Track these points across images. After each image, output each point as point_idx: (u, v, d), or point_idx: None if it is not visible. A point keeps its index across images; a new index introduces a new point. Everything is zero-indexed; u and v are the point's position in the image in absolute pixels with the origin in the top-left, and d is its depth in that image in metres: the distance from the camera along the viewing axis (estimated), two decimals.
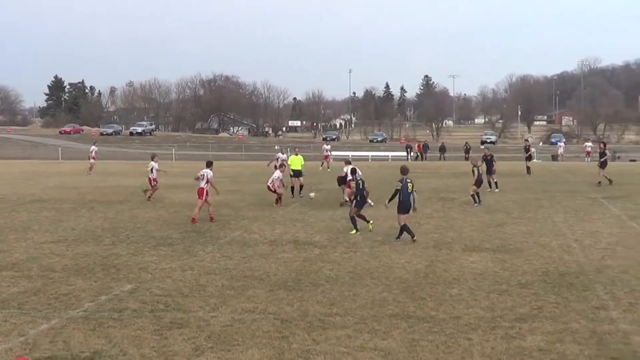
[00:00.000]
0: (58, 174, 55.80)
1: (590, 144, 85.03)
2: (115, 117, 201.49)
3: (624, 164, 68.94)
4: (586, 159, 78.13)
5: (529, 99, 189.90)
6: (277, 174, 32.53)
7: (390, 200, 22.82)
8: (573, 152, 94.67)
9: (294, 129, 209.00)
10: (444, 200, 32.87)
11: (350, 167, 30.55)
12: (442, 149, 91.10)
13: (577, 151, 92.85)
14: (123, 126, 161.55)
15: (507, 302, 14.61)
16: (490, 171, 37.27)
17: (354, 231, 23.72)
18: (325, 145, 65.53)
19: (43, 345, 11.81)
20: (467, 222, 26.02)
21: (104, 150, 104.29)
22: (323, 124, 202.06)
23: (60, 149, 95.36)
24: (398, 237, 22.48)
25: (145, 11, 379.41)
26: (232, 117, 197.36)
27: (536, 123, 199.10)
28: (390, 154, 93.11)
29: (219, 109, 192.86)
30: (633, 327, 12.77)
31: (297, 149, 41.89)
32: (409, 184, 22.37)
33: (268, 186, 32.18)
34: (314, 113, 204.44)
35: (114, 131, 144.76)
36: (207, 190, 27.20)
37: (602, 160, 42.88)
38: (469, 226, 25.11)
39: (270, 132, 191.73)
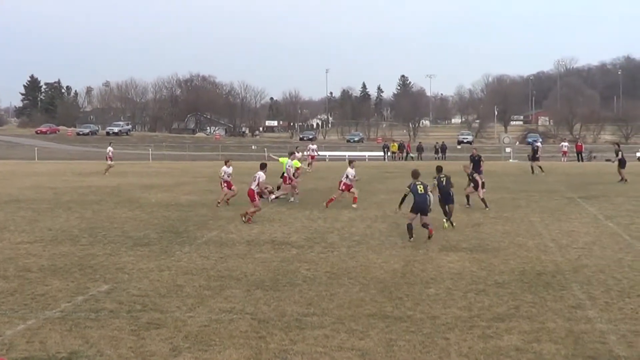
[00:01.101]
0: (34, 174, 55.53)
1: (566, 143, 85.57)
2: (91, 117, 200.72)
3: (600, 164, 69.35)
4: (562, 158, 78.58)
5: (505, 99, 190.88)
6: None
7: (400, 204, 23.46)
8: (549, 152, 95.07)
9: (271, 129, 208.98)
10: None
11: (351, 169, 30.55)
12: (420, 149, 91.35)
13: (554, 151, 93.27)
14: (99, 126, 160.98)
15: (484, 301, 14.64)
16: (477, 171, 37.39)
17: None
18: (311, 145, 65.33)
19: (20, 346, 11.73)
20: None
21: (80, 151, 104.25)
22: (300, 123, 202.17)
23: (36, 149, 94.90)
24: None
25: (121, 10, 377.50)
26: (209, 117, 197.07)
27: (512, 123, 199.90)
28: (367, 154, 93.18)
29: (195, 109, 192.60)
30: (609, 326, 12.83)
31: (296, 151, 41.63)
32: (419, 187, 22.71)
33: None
34: (291, 113, 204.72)
35: (90, 131, 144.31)
36: (257, 192, 27.20)
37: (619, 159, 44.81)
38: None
39: (247, 132, 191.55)
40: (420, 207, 22.59)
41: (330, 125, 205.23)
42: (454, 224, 25.18)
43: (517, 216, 27.73)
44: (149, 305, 14.33)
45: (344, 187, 31.21)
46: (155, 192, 38.07)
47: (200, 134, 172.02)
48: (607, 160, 54.27)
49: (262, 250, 20.61)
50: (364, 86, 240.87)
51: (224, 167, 33.14)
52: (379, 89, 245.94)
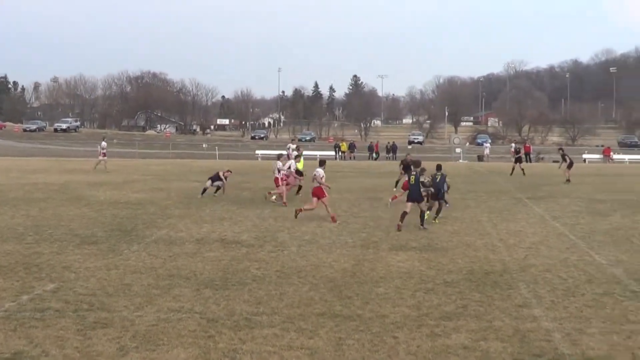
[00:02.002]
0: None
1: (514, 144, 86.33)
2: (39, 113, 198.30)
3: (547, 165, 70.10)
4: (512, 159, 79.29)
5: (455, 100, 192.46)
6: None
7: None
8: (498, 152, 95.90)
9: (223, 127, 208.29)
10: (372, 200, 33.05)
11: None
12: (371, 149, 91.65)
13: (503, 152, 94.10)
14: (47, 122, 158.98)
15: (432, 300, 14.72)
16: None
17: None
18: (291, 144, 64.76)
19: None
20: (394, 222, 26.14)
21: (27, 147, 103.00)
22: (252, 122, 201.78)
23: None
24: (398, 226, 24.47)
25: (70, 5, 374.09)
26: (159, 114, 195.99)
27: (463, 124, 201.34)
28: (318, 153, 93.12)
29: (146, 106, 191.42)
30: (554, 324, 12.97)
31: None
32: (411, 177, 25.26)
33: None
34: (243, 111, 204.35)
35: (37, 127, 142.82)
36: (321, 189, 27.36)
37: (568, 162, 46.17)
38: (396, 225, 25.24)
39: (198, 130, 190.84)
40: (413, 196, 24.92)
41: (282, 125, 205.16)
42: (436, 221, 26.35)
43: (466, 216, 27.94)
44: (96, 304, 14.19)
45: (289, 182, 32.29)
46: (103, 189, 37.74)
47: (150, 132, 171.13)
48: (555, 161, 54.95)
49: (212, 248, 20.52)
50: (316, 86, 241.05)
51: (278, 162, 33.64)
52: (331, 89, 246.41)
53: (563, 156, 47.55)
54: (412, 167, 26.03)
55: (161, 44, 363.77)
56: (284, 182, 32.98)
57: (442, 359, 11.18)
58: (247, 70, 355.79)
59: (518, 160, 54.56)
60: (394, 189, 36.50)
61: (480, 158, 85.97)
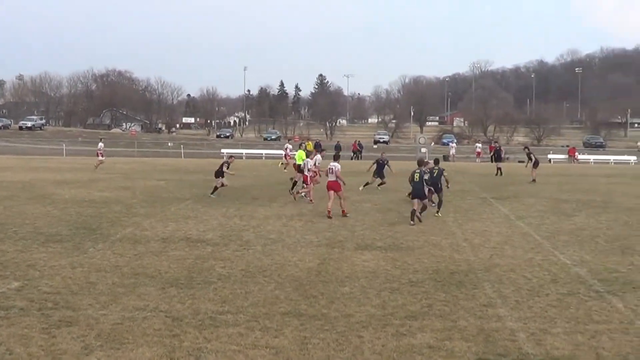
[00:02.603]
0: None
1: (480, 144, 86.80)
2: (4, 111, 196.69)
3: (512, 165, 70.44)
4: (477, 159, 79.66)
5: (421, 100, 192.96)
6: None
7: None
8: (464, 152, 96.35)
9: (188, 125, 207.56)
10: (338, 199, 32.98)
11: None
12: (338, 148, 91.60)
13: (468, 152, 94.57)
14: (12, 120, 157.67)
15: (398, 300, 14.75)
16: (380, 175, 38.02)
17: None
18: (288, 144, 64.51)
19: None
20: (360, 221, 26.22)
21: None
22: (217, 121, 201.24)
23: None
24: (420, 219, 25.94)
25: (35, 2, 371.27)
26: (125, 112, 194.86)
27: (428, 123, 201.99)
28: (284, 152, 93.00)
29: (111, 105, 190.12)
30: (519, 324, 13.04)
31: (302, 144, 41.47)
32: (416, 174, 26.48)
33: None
34: (208, 110, 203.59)
35: (2, 125, 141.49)
36: (338, 182, 28.35)
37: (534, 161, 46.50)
38: (361, 225, 25.30)
39: (163, 128, 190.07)
40: (415, 193, 26.40)
41: (247, 123, 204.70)
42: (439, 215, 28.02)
43: (430, 215, 27.98)
44: (60, 302, 14.08)
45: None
46: (68, 188, 37.47)
47: (115, 130, 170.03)
48: (520, 161, 55.27)
49: (177, 247, 20.44)
50: (282, 84, 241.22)
51: (318, 156, 34.39)
52: (297, 88, 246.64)
53: (529, 155, 47.85)
54: (418, 164, 27.41)
55: (127, 42, 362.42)
56: (314, 179, 33.61)
57: (407, 358, 11.21)
58: (213, 69, 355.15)
59: (497, 160, 54.83)
60: (360, 189, 36.50)
61: (445, 158, 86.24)
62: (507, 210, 29.85)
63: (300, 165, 35.99)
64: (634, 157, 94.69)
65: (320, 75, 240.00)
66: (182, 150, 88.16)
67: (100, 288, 15.38)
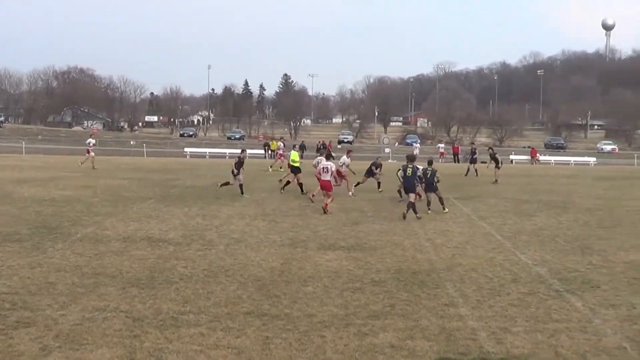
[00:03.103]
0: None
1: (443, 145, 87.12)
2: None
3: (475, 166, 70.73)
4: (439, 159, 79.90)
5: (385, 100, 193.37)
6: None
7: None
8: (427, 153, 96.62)
9: (151, 124, 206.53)
10: (301, 199, 33.01)
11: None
12: (302, 147, 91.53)
13: (432, 152, 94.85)
14: None
15: (360, 299, 14.77)
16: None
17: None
18: (279, 143, 64.15)
19: None
20: (323, 221, 26.21)
21: None
22: (180, 120, 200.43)
23: None
24: (415, 215, 27.27)
25: None
26: (86, 110, 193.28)
27: (392, 124, 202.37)
28: (247, 151, 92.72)
29: (73, 102, 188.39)
30: (480, 323, 13.11)
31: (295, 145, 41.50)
32: (409, 169, 28.27)
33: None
34: (172, 109, 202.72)
35: None
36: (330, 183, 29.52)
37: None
38: (324, 224, 25.29)
39: (125, 127, 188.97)
40: (406, 187, 28.39)
41: (211, 122, 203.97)
42: (445, 210, 29.71)
43: (395, 215, 28.04)
44: (18, 303, 13.93)
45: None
46: (28, 186, 37.06)
47: (77, 128, 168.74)
48: (483, 162, 55.47)
49: (139, 247, 20.31)
50: (246, 84, 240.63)
51: (344, 157, 35.89)
52: (262, 87, 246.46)
53: (492, 156, 48.05)
54: (408, 160, 29.22)
55: (90, 40, 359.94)
56: (342, 177, 35.20)
57: (369, 357, 11.22)
58: (177, 67, 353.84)
59: (473, 161, 54.92)
60: (351, 194, 36.39)
61: (430, 163, 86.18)
62: (469, 211, 29.98)
63: (294, 165, 36.21)
64: (594, 159, 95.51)
65: (285, 74, 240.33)
66: (145, 149, 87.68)
67: (60, 288, 15.25)
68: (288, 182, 36.00)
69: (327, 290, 15.58)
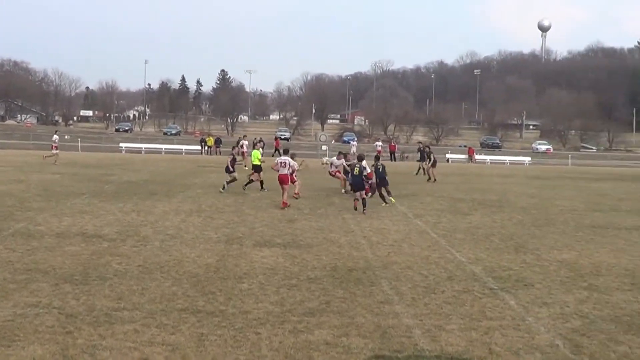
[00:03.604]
0: None
1: (380, 143, 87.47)
2: None
3: (412, 164, 71.17)
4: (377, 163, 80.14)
5: (323, 98, 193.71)
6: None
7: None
8: (364, 151, 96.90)
9: (86, 118, 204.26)
10: (237, 195, 32.91)
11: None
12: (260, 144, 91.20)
13: (369, 150, 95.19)
14: None
15: (296, 296, 14.77)
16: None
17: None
18: (244, 141, 63.29)
19: None
20: (259, 218, 26.17)
21: None
22: (116, 114, 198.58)
23: None
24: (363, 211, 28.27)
25: None
26: (20, 104, 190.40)
27: (329, 121, 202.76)
28: (184, 147, 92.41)
29: (6, 95, 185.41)
30: (415, 321, 13.18)
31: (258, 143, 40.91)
32: (356, 168, 29.34)
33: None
34: (107, 103, 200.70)
35: None
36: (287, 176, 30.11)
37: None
38: (260, 221, 25.25)
39: (60, 121, 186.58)
40: (354, 185, 29.35)
41: (147, 117, 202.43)
42: (393, 200, 31.68)
43: (331, 213, 28.13)
44: None
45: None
46: None
47: (10, 122, 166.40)
48: (419, 160, 55.76)
49: (72, 243, 20.07)
50: (183, 79, 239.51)
51: (334, 159, 37.04)
52: (199, 83, 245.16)
53: (422, 153, 48.30)
54: (357, 159, 30.23)
55: (23, 32, 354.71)
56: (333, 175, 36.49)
57: (305, 354, 11.23)
58: (113, 62, 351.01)
59: (422, 159, 55.02)
60: (343, 191, 36.23)
61: (345, 157, 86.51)
62: (405, 209, 30.15)
63: (257, 164, 36.43)
64: (529, 158, 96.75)
65: (222, 70, 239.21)
66: (80, 144, 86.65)
67: None
68: (251, 180, 35.87)
69: (263, 287, 15.56)
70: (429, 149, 51.17)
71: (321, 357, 11.18)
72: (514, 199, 35.61)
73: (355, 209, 28.55)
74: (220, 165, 47.01)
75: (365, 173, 29.73)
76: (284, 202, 29.06)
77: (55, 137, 56.02)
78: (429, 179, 45.54)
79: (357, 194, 29.05)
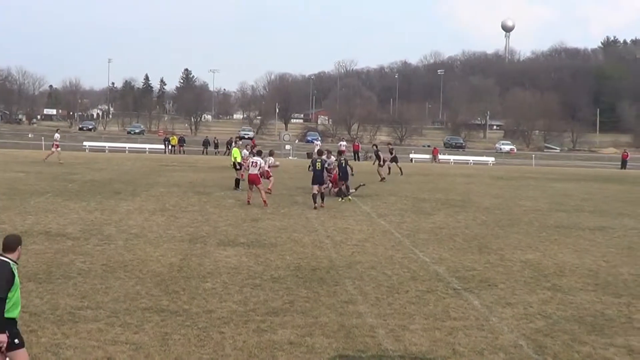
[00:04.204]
0: None
1: (344, 142, 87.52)
2: None
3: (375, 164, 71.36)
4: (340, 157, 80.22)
5: (286, 97, 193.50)
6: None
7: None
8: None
9: (50, 117, 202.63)
10: (200, 194, 32.86)
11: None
12: (206, 143, 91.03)
13: (332, 149, 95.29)
14: None
15: (260, 296, 14.81)
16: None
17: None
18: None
19: None
20: (223, 217, 26.15)
21: None
22: (80, 113, 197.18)
23: None
24: (314, 206, 29.35)
25: None
26: None
27: (293, 121, 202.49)
28: (147, 146, 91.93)
29: None
30: (379, 320, 13.27)
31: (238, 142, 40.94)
32: (317, 163, 30.71)
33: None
34: (71, 102, 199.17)
35: None
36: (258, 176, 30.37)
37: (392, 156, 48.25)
38: (224, 220, 25.24)
39: (23, 119, 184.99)
40: (316, 179, 30.10)
41: (110, 116, 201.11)
42: (350, 198, 32.75)
43: (294, 212, 28.16)
44: None
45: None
46: None
47: None
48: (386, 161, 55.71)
49: (36, 241, 19.97)
50: (147, 78, 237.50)
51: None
52: (162, 82, 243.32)
53: (376, 153, 48.46)
54: (317, 154, 32.08)
55: None
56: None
57: (268, 354, 11.28)
58: (77, 60, 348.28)
59: (394, 159, 54.99)
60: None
61: (309, 155, 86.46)
62: (368, 209, 30.23)
63: (236, 162, 36.88)
64: (493, 158, 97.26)
65: (186, 69, 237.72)
66: (43, 142, 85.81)
67: None
68: (238, 180, 35.85)
69: (227, 286, 15.59)
70: (377, 147, 51.53)
71: (285, 357, 11.24)
72: (477, 199, 35.81)
73: (316, 207, 29.28)
74: (184, 163, 46.89)
75: (327, 167, 31.87)
76: (264, 201, 29.50)
77: (57, 135, 56.29)
78: (383, 178, 45.35)
79: (316, 187, 29.89)
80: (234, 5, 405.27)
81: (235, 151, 37.93)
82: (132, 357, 10.96)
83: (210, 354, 11.18)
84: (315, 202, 29.46)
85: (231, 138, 52.91)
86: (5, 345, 8.87)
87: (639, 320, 14.12)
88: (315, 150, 52.38)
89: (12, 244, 9.46)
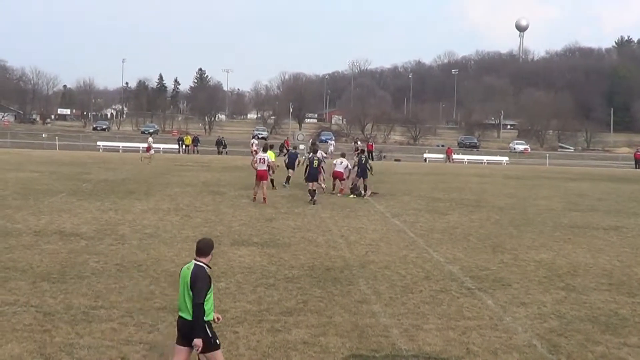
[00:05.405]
0: None
1: (360, 143, 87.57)
2: None
3: (389, 163, 71.37)
4: (354, 157, 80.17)
5: (300, 97, 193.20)
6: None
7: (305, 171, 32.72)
8: (342, 150, 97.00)
9: (64, 117, 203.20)
10: (214, 194, 32.89)
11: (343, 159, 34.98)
12: (219, 143, 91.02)
13: (347, 149, 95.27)
14: None
15: (273, 296, 14.80)
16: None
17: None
18: (254, 140, 63.97)
19: None
20: (237, 217, 26.16)
21: None
22: (94, 113, 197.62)
23: None
24: (311, 201, 30.64)
25: None
26: None
27: (307, 120, 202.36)
28: (162, 146, 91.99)
29: None
30: (392, 320, 13.25)
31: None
32: (315, 160, 31.88)
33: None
34: (85, 102, 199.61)
35: None
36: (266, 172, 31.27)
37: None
38: (238, 220, 25.25)
39: (38, 119, 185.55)
40: (309, 176, 31.53)
41: (124, 116, 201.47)
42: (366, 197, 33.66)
43: (308, 212, 28.16)
44: None
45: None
46: None
47: None
48: (397, 160, 55.75)
49: (50, 241, 20.02)
50: (161, 78, 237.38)
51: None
52: (176, 82, 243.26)
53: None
54: (312, 152, 32.93)
55: (0, 30, 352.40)
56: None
57: (282, 354, 11.27)
58: (91, 60, 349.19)
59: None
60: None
61: (342, 154, 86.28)
62: (382, 208, 30.21)
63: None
64: (506, 158, 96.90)
65: (200, 69, 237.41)
66: (57, 142, 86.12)
67: None
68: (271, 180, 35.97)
69: (240, 286, 15.59)
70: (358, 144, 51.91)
71: (299, 357, 11.23)
72: (491, 199, 35.75)
73: (311, 202, 30.76)
74: (198, 163, 46.94)
75: (322, 165, 33.44)
76: (264, 199, 30.17)
77: (151, 139, 58.32)
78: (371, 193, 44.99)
79: (310, 184, 31.32)
80: (248, 5, 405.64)
81: (270, 154, 38.03)
82: (146, 357, 10.97)
83: (224, 353, 11.13)
84: (312, 197, 30.81)
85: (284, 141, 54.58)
86: (201, 347, 9.19)
87: None
88: (329, 150, 52.50)
89: (205, 248, 9.79)
